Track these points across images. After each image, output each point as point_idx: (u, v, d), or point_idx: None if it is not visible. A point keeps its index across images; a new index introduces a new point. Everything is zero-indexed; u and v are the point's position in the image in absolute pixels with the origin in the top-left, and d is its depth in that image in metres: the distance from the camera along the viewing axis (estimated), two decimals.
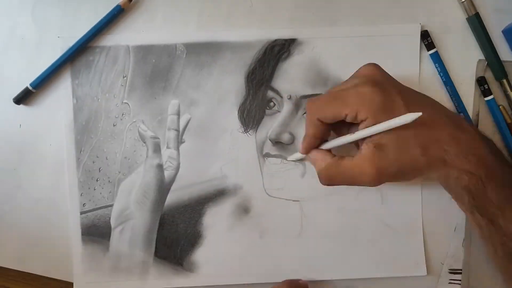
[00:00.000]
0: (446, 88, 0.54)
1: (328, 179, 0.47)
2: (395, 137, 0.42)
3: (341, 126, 0.48)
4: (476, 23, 0.53)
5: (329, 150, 0.48)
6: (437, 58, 0.54)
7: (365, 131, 0.43)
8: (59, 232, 0.55)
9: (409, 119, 0.39)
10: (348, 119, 0.44)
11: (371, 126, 0.43)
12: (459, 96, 0.54)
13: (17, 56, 0.55)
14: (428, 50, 0.54)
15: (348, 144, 0.46)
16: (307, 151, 0.49)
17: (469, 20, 0.54)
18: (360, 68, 0.47)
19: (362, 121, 0.43)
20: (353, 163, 0.44)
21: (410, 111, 0.40)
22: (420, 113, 0.39)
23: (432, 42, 0.54)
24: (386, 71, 0.50)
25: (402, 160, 0.43)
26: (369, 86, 0.43)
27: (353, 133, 0.45)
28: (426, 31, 0.54)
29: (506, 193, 0.43)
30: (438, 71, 0.54)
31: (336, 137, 0.48)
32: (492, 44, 0.54)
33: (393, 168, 0.43)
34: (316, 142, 0.48)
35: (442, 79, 0.54)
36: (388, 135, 0.42)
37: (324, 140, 0.49)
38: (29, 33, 0.55)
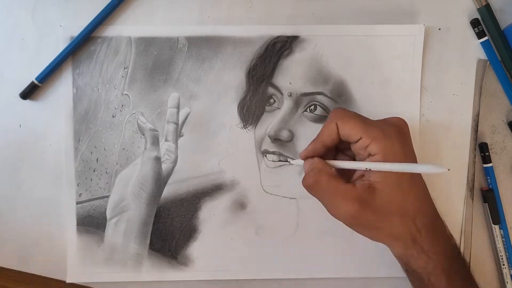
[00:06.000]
0: (503, 77, 0.54)
1: (314, 182, 0.44)
2: (389, 189, 0.42)
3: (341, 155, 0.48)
4: (486, 14, 0.53)
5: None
6: (488, 47, 0.54)
7: (381, 165, 0.42)
8: (57, 228, 0.55)
9: (431, 171, 0.39)
10: (357, 145, 0.43)
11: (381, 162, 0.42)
12: None
13: (18, 54, 0.55)
14: (479, 38, 0.54)
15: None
16: (307, 155, 0.47)
17: (480, 10, 0.54)
18: (391, 117, 0.46)
19: (370, 155, 0.43)
20: (343, 186, 0.43)
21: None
22: (444, 169, 0.38)
23: (483, 30, 0.54)
24: (389, 71, 0.51)
25: (381, 215, 0.42)
26: (395, 130, 0.43)
27: (361, 161, 0.44)
28: (477, 19, 0.54)
29: None
30: (490, 60, 0.54)
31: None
32: (503, 34, 0.54)
33: (370, 218, 0.42)
34: (321, 151, 0.46)
35: (496, 68, 0.54)
36: (385, 184, 0.42)
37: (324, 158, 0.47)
38: (29, 28, 0.55)
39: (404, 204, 0.42)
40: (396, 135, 0.43)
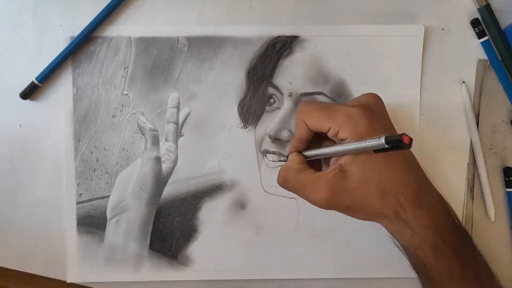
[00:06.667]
0: (503, 77, 0.54)
1: (282, 180, 0.46)
2: (361, 170, 0.41)
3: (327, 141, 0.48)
4: (486, 14, 0.53)
5: (307, 160, 0.47)
6: (489, 46, 0.54)
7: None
8: (57, 228, 0.55)
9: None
10: (330, 134, 0.44)
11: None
12: None
13: (18, 54, 0.55)
14: (479, 38, 0.54)
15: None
16: (290, 151, 0.48)
17: (480, 10, 0.54)
18: (361, 95, 0.47)
19: (342, 139, 0.43)
20: (311, 177, 0.43)
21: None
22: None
23: (483, 30, 0.54)
24: (389, 71, 0.51)
25: (358, 196, 0.42)
26: (359, 109, 0.43)
27: (327, 146, 0.44)
28: (477, 19, 0.54)
29: (455, 267, 0.42)
30: (491, 60, 0.54)
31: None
32: (503, 34, 0.54)
33: (346, 201, 0.42)
34: (301, 145, 0.47)
35: (496, 68, 0.54)
36: (355, 165, 0.42)
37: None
38: (29, 28, 0.55)
39: (380, 181, 0.41)
40: (362, 115, 0.42)
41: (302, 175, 0.44)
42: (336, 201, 0.42)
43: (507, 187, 0.54)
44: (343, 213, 0.44)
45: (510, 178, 0.54)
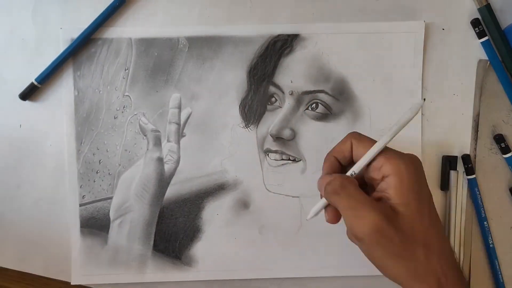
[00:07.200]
0: (503, 77, 0.54)
1: (339, 186, 0.41)
2: (411, 215, 0.38)
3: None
4: (487, 14, 0.53)
5: None
6: (489, 46, 0.54)
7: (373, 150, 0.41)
8: (59, 229, 0.55)
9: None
10: (371, 167, 0.41)
11: (393, 182, 0.39)
12: None
13: (18, 55, 0.55)
14: (480, 38, 0.54)
15: None
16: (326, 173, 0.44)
17: (480, 10, 0.54)
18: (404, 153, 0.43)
19: (383, 176, 0.40)
20: (367, 197, 0.39)
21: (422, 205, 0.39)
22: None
23: (484, 30, 0.54)
24: (390, 68, 0.52)
25: (406, 237, 0.38)
26: (409, 157, 0.41)
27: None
28: (477, 19, 0.54)
29: None
30: (491, 60, 0.54)
31: None
32: (503, 34, 0.54)
33: (395, 236, 0.38)
34: (335, 164, 0.44)
35: (496, 68, 0.54)
36: (407, 209, 0.38)
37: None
38: (29, 29, 0.54)
39: (426, 235, 0.38)
40: (409, 160, 0.40)
41: (361, 191, 0.40)
42: (385, 233, 0.37)
43: (503, 154, 0.55)
44: (381, 256, 0.39)
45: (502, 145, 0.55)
